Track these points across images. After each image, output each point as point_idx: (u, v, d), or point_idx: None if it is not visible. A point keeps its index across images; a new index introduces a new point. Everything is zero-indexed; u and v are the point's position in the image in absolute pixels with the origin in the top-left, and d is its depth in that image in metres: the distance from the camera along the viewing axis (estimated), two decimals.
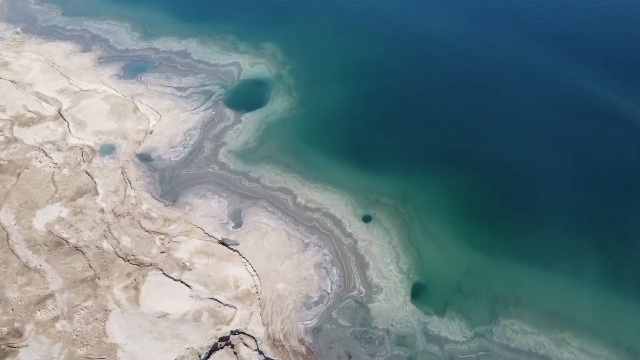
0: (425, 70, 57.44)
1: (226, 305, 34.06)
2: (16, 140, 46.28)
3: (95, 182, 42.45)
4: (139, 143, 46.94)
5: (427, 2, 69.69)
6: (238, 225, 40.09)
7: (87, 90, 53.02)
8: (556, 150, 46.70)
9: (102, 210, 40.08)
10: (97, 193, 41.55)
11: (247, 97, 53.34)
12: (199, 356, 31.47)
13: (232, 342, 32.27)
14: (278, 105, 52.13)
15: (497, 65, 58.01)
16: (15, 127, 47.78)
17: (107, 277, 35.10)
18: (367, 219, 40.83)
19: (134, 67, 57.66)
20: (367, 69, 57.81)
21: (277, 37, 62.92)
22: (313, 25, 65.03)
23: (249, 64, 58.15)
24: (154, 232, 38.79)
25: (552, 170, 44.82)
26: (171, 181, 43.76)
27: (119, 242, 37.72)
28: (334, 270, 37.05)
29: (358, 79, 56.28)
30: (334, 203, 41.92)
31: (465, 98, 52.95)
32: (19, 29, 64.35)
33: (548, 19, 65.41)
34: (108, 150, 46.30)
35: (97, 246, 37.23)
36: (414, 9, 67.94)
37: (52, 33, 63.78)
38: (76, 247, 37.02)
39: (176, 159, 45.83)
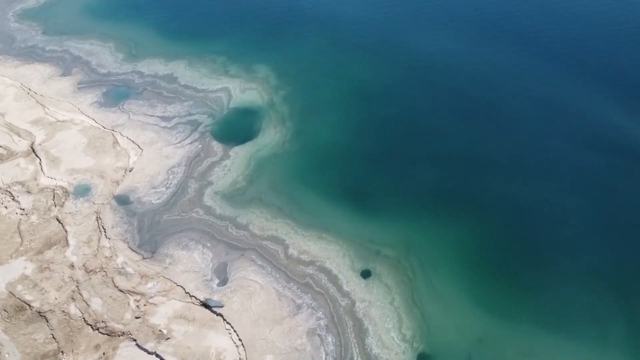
0: (430, 97, 53.37)
1: None
2: None
3: (66, 231, 38.43)
4: (117, 183, 42.93)
5: (429, 20, 65.58)
6: (223, 282, 36.08)
7: (63, 121, 49.00)
8: (576, 192, 42.62)
9: (72, 266, 36.05)
10: (67, 244, 37.54)
11: (236, 128, 49.34)
12: None
13: None
14: (270, 137, 48.12)
15: (507, 92, 53.90)
16: None
17: (72, 351, 31.08)
18: (366, 274, 36.81)
19: (116, 94, 53.64)
20: (367, 95, 53.76)
21: (270, 58, 58.93)
22: (309, 46, 61.02)
23: (239, 90, 54.13)
24: (129, 291, 34.76)
25: (572, 216, 40.75)
26: (151, 228, 39.74)
27: (88, 305, 33.70)
28: (329, 338, 33.02)
29: (357, 106, 52.22)
30: (330, 255, 37.90)
31: (473, 130, 48.88)
32: None
33: (560, 40, 61.28)
34: (83, 191, 42.28)
35: (63, 311, 33.20)
36: (416, 29, 63.85)
37: (30, 54, 59.77)
38: (40, 312, 33.00)
39: (157, 201, 41.81)
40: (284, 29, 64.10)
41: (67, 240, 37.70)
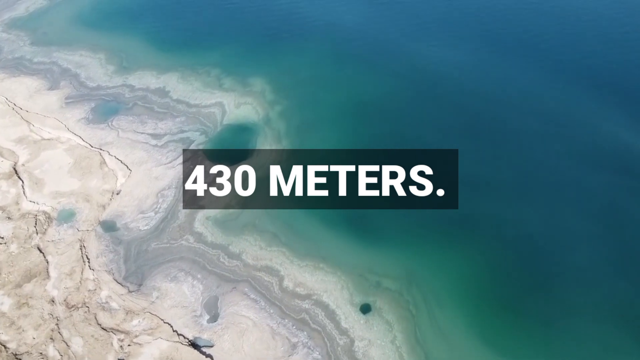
0: (433, 112, 51.06)
1: None
2: None
3: (47, 262, 36.22)
4: (104, 207, 40.72)
5: (431, 31, 63.32)
6: (213, 318, 33.87)
7: (49, 140, 46.79)
8: (587, 216, 40.51)
9: (53, 301, 33.84)
10: (48, 276, 35.32)
11: (230, 146, 47.10)
12: None
13: None
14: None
15: (512, 106, 51.66)
16: None
17: None
18: (365, 308, 34.62)
19: (105, 109, 51.38)
20: (368, 110, 51.49)
21: (266, 71, 56.68)
22: (307, 58, 58.77)
23: (234, 105, 51.91)
24: (113, 329, 32.56)
25: (582, 242, 38.65)
26: (138, 258, 37.51)
27: (68, 346, 31.49)
28: None
29: (356, 123, 49.96)
30: (328, 287, 35.69)
31: (478, 148, 46.63)
32: None
33: (567, 52, 59.07)
34: (67, 216, 40.06)
35: (40, 353, 30.99)
36: (418, 40, 61.56)
37: (17, 67, 57.52)
38: (16, 354, 30.79)
39: (145, 227, 39.60)
40: (281, 40, 61.85)
41: (48, 272, 35.49)
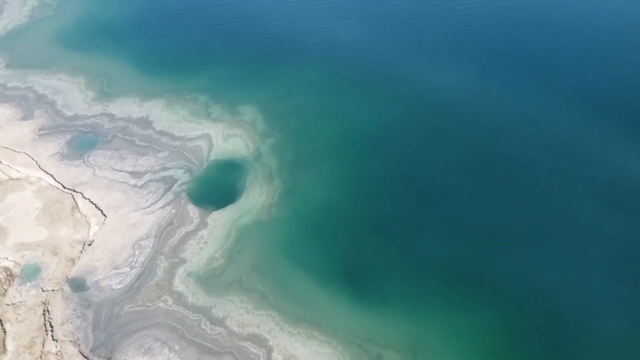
0: (437, 147, 46.89)
1: None
2: None
3: (4, 331, 32.03)
4: (73, 262, 36.55)
5: (435, 52, 59.00)
6: None
7: (17, 179, 42.66)
8: (613, 271, 36.39)
9: None
10: (4, 350, 31.12)
11: (216, 187, 43.09)
12: None
13: None
14: (254, 199, 41.70)
15: (525, 140, 47.39)
16: None
17: None
18: None
19: (81, 142, 47.24)
20: (367, 143, 47.40)
21: (258, 98, 52.54)
22: (301, 82, 54.64)
23: (222, 137, 47.74)
24: None
25: (609, 303, 34.51)
26: (109, 324, 33.30)
27: None
28: None
29: (355, 158, 45.89)
30: None
31: (488, 190, 42.51)
32: None
33: (585, 77, 54.73)
34: (31, 273, 35.89)
35: None
36: (421, 63, 57.25)
37: None
38: None
39: (119, 286, 35.40)
40: (274, 63, 57.67)
41: (4, 344, 31.29)
